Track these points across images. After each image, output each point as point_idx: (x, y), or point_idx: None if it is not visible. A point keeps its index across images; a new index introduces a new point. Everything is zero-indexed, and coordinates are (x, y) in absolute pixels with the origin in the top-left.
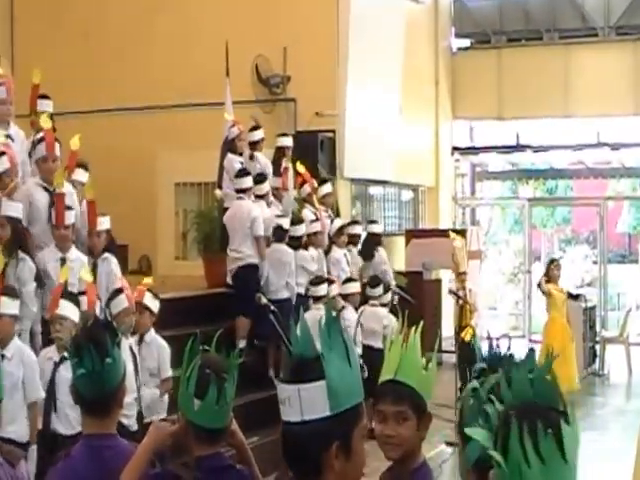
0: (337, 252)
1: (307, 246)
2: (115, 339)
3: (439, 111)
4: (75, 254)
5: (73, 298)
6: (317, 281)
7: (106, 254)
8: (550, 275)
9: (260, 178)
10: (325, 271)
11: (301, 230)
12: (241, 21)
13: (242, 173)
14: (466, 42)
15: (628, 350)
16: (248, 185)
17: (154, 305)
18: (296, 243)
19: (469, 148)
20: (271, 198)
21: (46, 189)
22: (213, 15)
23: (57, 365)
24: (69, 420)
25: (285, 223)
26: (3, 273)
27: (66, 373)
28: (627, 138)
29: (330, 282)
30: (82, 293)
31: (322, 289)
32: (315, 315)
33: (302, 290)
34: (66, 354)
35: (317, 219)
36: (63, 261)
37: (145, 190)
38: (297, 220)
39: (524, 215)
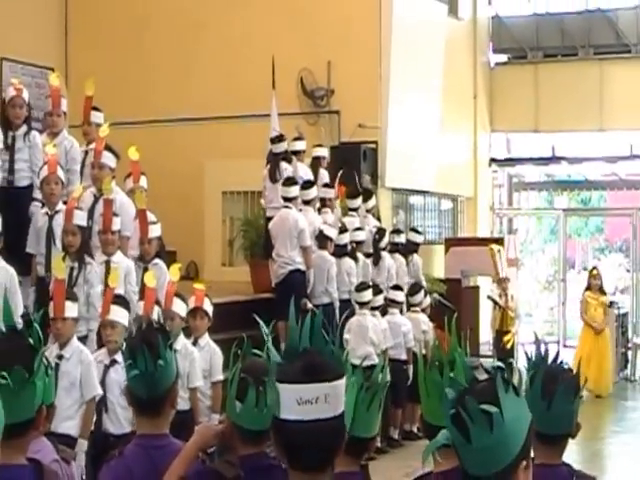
0: (389, 261)
1: (354, 253)
2: (167, 341)
3: (477, 124)
4: (119, 257)
5: (124, 302)
6: (362, 287)
7: (157, 260)
8: (589, 284)
9: (307, 185)
10: (370, 278)
11: (345, 238)
12: (287, 36)
13: (289, 182)
14: (503, 57)
15: None
16: (295, 194)
17: (211, 310)
18: (341, 251)
19: (506, 160)
20: (318, 204)
21: (94, 194)
22: (260, 30)
23: (107, 368)
24: (119, 420)
25: (328, 230)
26: (70, 277)
27: (116, 375)
28: None
29: (378, 291)
30: (141, 298)
31: (367, 295)
32: (360, 321)
33: (346, 296)
34: (116, 357)
35: (360, 228)
36: (107, 264)
37: (193, 198)
38: (342, 229)
39: (559, 225)
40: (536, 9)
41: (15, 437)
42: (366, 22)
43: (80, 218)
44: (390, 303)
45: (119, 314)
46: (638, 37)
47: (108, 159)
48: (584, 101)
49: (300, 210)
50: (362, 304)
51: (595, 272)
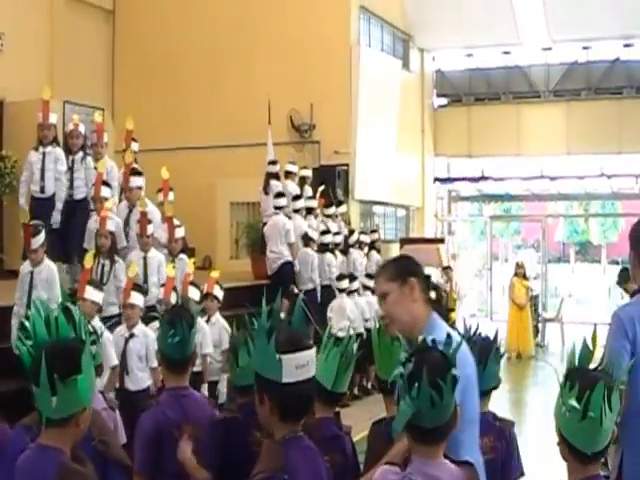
0: (355, 255)
1: (333, 250)
2: (193, 316)
3: (424, 151)
4: (153, 253)
5: (141, 289)
6: (341, 277)
7: (181, 255)
8: (515, 272)
9: (296, 198)
10: (346, 269)
11: (327, 239)
12: (280, 85)
13: (279, 195)
14: (444, 101)
15: (562, 327)
16: (283, 204)
17: (220, 294)
18: (323, 248)
19: (447, 178)
20: (304, 212)
21: (128, 207)
22: (259, 81)
23: (127, 340)
24: (137, 379)
25: (311, 232)
26: (102, 273)
27: (134, 345)
28: (562, 172)
29: (353, 278)
30: (163, 285)
31: (345, 283)
32: (340, 302)
33: (327, 282)
34: (134, 331)
35: (339, 232)
36: (145, 259)
37: (208, 207)
38: (325, 231)
39: (487, 228)
40: (469, 65)
41: None
42: (340, 74)
43: (111, 225)
44: (363, 288)
45: (137, 298)
46: (545, 86)
47: (135, 182)
48: (505, 134)
49: (289, 217)
50: (341, 290)
51: (520, 263)
